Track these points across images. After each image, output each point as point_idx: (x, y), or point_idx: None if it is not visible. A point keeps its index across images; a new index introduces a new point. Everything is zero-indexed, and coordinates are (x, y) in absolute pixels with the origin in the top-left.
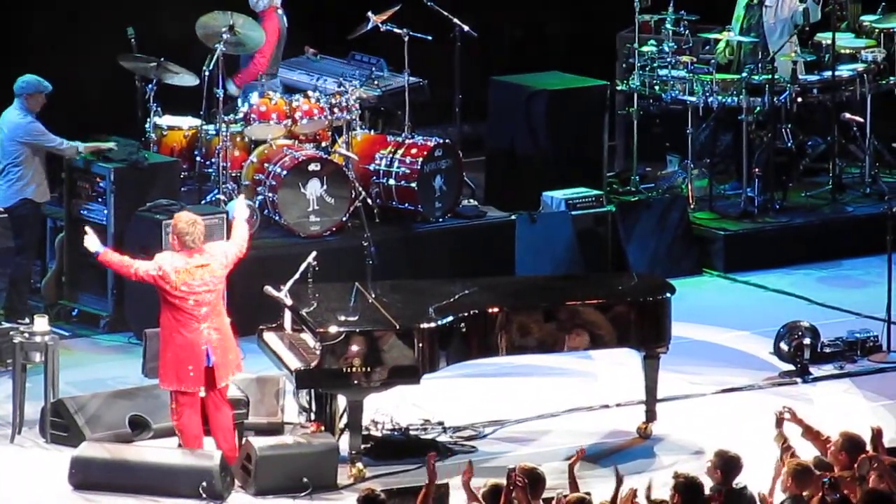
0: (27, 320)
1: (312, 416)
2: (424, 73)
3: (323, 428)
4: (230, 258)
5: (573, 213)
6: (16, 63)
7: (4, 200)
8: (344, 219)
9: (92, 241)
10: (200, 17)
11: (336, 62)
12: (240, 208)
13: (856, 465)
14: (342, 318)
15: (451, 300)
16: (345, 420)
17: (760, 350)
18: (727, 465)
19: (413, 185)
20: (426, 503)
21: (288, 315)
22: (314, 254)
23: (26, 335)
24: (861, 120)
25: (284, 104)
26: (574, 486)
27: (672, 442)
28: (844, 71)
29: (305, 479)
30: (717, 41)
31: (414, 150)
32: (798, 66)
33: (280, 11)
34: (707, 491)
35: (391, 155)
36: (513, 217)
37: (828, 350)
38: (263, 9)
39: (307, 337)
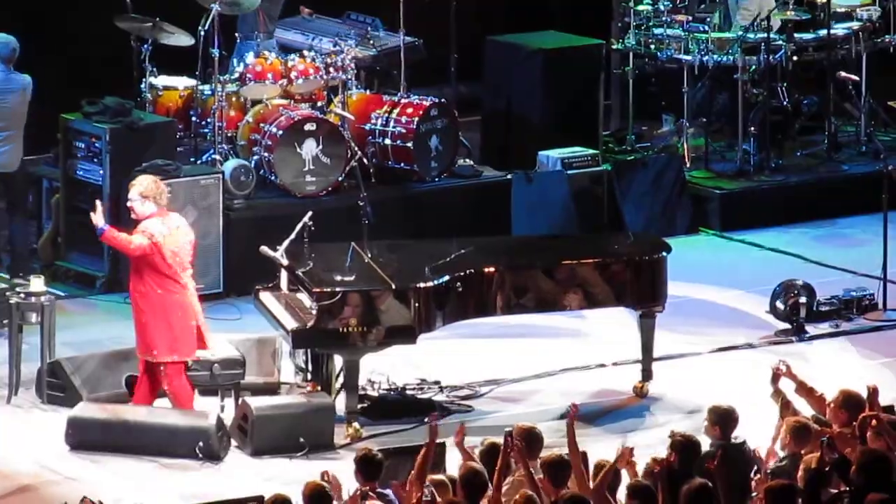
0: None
1: (309, 377)
2: (420, 33)
3: (319, 388)
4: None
5: (569, 172)
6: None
7: (13, 164)
8: (340, 178)
9: (98, 218)
10: None
11: (331, 22)
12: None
13: (855, 424)
14: (338, 277)
15: (448, 260)
16: (341, 380)
17: (756, 309)
18: (723, 419)
19: (409, 144)
20: (426, 463)
21: (284, 275)
22: (310, 213)
23: (22, 296)
24: (856, 78)
25: (280, 64)
26: (573, 444)
27: (668, 401)
28: (840, 29)
29: (302, 440)
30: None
31: (410, 110)
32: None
33: None
34: (706, 449)
35: (387, 115)
36: (509, 177)
37: (824, 308)
38: None
39: (303, 297)
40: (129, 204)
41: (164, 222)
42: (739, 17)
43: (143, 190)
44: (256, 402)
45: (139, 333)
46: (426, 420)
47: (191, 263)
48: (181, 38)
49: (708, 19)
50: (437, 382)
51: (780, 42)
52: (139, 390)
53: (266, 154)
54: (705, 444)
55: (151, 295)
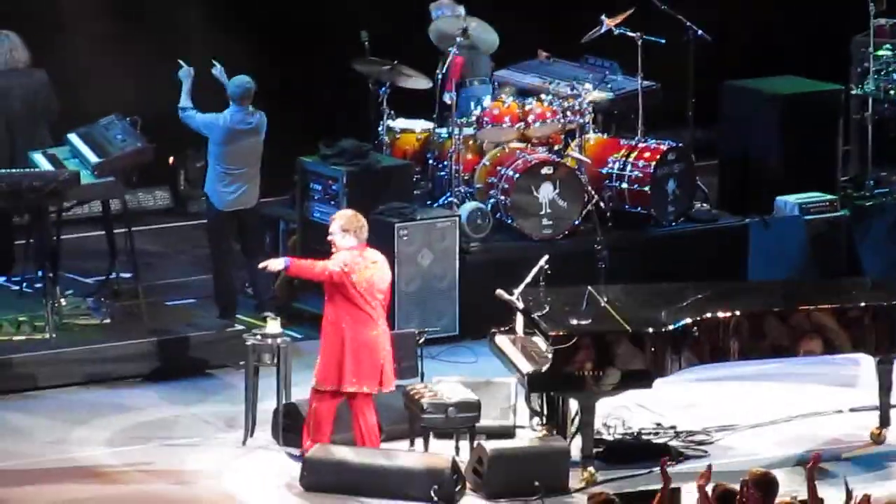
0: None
1: (544, 420)
2: (657, 77)
3: (554, 431)
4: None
5: (806, 217)
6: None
7: (251, 202)
8: (576, 222)
9: (274, 263)
10: (434, 21)
11: (569, 65)
12: None
13: None
14: (574, 321)
15: (684, 304)
16: (576, 423)
17: None
18: None
19: (646, 188)
20: None
21: (520, 318)
22: (546, 257)
23: (258, 337)
24: None
25: (517, 107)
26: (813, 492)
27: None
28: None
29: (537, 483)
30: None
31: (647, 154)
32: None
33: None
34: None
35: (624, 159)
36: (746, 221)
37: None
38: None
39: (539, 340)
40: (329, 238)
41: (360, 255)
42: None
43: (344, 223)
44: (491, 445)
45: (324, 363)
46: (659, 465)
47: (385, 304)
48: (419, 82)
49: None
50: (672, 427)
51: None
52: (324, 425)
53: (503, 197)
54: None
55: (340, 325)
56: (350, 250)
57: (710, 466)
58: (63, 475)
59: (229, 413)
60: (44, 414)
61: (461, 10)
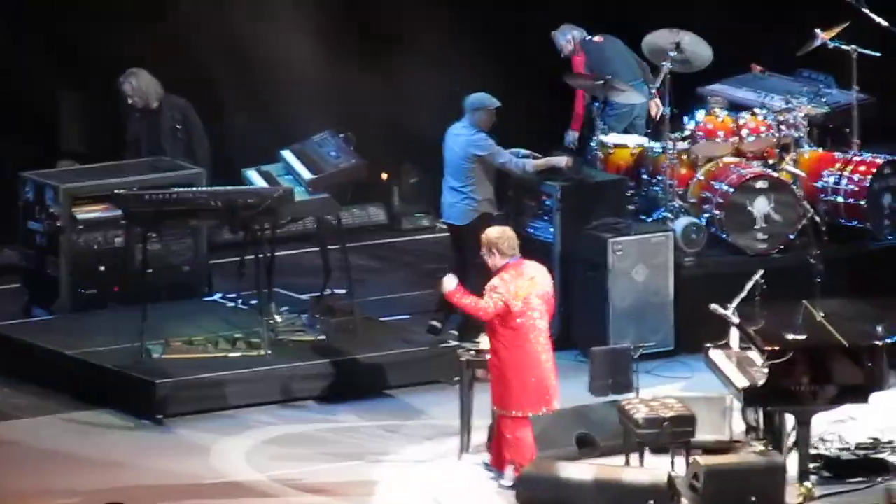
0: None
1: (760, 435)
2: (873, 90)
3: (771, 447)
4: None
5: None
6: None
7: (461, 218)
8: (791, 237)
9: (448, 282)
10: (647, 35)
11: (783, 79)
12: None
13: None
14: (790, 336)
15: None
16: (792, 438)
17: None
18: None
19: (862, 202)
20: None
21: (734, 333)
22: (761, 272)
23: (473, 353)
24: None
25: (731, 122)
26: None
27: None
28: None
29: (753, 499)
30: None
31: (862, 168)
32: None
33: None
34: None
35: (839, 172)
36: None
37: None
38: (569, 54)
39: (754, 355)
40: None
41: (514, 274)
42: None
43: (486, 242)
44: (707, 461)
45: (493, 386)
46: (879, 481)
47: (549, 313)
48: (632, 96)
49: None
50: (890, 441)
51: None
52: (495, 445)
53: (717, 212)
54: None
55: (501, 351)
56: (503, 272)
57: None
58: (279, 492)
59: (445, 428)
60: (259, 431)
61: (577, 31)
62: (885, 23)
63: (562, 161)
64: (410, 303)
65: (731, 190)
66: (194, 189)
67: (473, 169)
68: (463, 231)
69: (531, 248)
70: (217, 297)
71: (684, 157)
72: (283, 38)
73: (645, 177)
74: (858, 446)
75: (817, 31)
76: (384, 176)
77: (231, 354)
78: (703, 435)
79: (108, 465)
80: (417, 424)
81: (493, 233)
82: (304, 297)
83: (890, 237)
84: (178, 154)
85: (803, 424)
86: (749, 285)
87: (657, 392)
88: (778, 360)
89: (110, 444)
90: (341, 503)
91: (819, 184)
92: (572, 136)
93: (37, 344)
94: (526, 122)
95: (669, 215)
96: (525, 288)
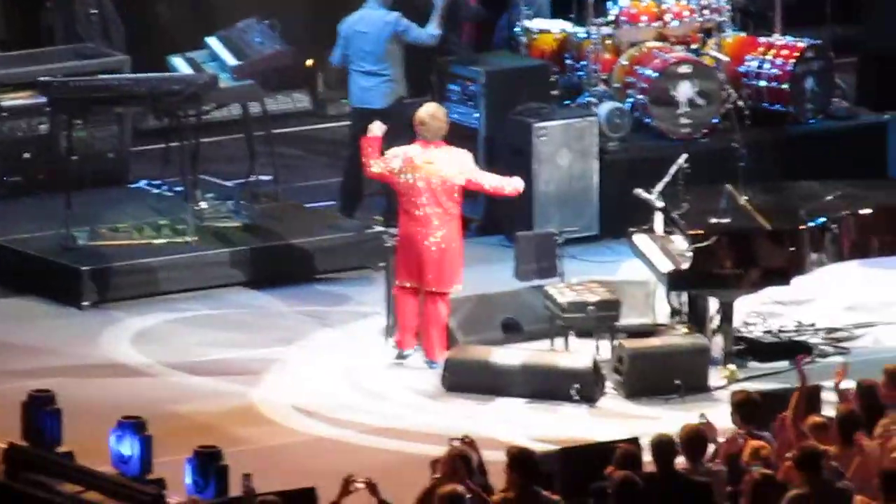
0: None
1: (684, 318)
2: None
3: (695, 330)
4: (468, 172)
5: None
6: None
7: (381, 100)
8: (715, 120)
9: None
10: None
11: None
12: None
13: None
14: (714, 220)
15: (823, 202)
16: (716, 322)
17: None
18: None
19: (784, 86)
20: (798, 406)
21: (658, 217)
22: (685, 156)
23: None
24: None
25: (654, 6)
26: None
27: None
28: None
29: (677, 381)
30: None
31: (785, 52)
32: None
33: None
34: None
35: (762, 56)
36: (885, 118)
37: None
38: None
39: (678, 239)
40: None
41: (416, 147)
42: None
43: (417, 119)
44: (632, 344)
45: (435, 267)
46: (794, 363)
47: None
48: None
49: None
50: (812, 324)
51: None
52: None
53: (641, 96)
54: None
55: (455, 226)
56: (412, 146)
57: (845, 364)
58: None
59: (370, 314)
60: (185, 317)
61: None
62: None
63: None
64: (335, 189)
65: (655, 75)
66: (119, 76)
67: (392, 50)
68: (382, 114)
69: (456, 134)
70: (142, 184)
71: (608, 42)
72: None
73: (569, 62)
74: (781, 330)
75: None
76: (309, 62)
77: (157, 241)
78: (627, 319)
79: (33, 352)
80: (342, 311)
81: (421, 112)
82: (229, 183)
83: (812, 121)
84: (95, 40)
85: (727, 307)
86: (673, 169)
87: (582, 276)
88: (701, 244)
89: (36, 331)
90: (230, 384)
91: (742, 68)
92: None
93: None
94: None
95: (594, 100)
96: (416, 167)
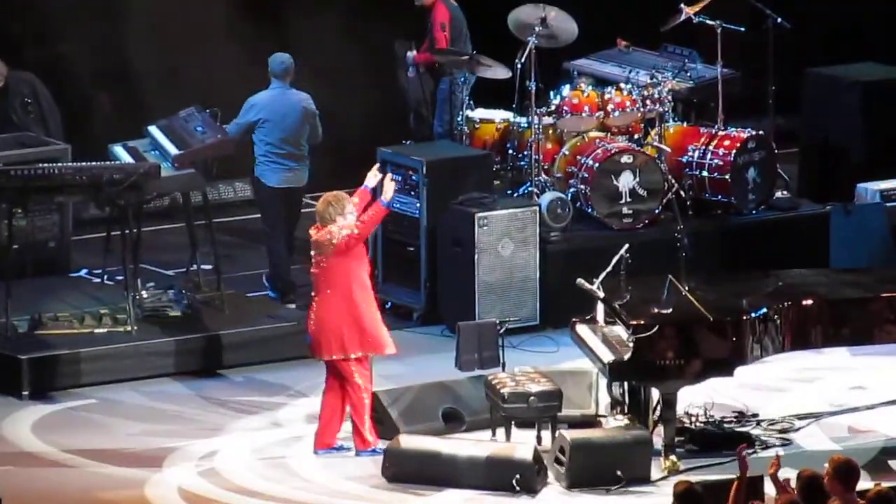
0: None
1: (626, 409)
2: (737, 65)
3: (636, 421)
4: (337, 237)
5: (888, 204)
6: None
7: (302, 181)
8: (657, 211)
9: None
10: (513, 10)
11: (648, 54)
12: (372, 180)
13: None
14: (655, 310)
15: (765, 292)
16: (658, 412)
17: None
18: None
19: (726, 176)
20: (739, 496)
21: (601, 308)
22: (626, 246)
23: None
24: None
25: (596, 97)
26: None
27: None
28: None
29: (619, 472)
30: None
31: (727, 142)
32: None
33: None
34: None
35: (704, 147)
36: (827, 209)
37: None
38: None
39: (620, 330)
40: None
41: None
42: None
43: (335, 209)
44: (573, 435)
45: (354, 331)
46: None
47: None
48: (498, 71)
49: None
50: (754, 415)
51: None
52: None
53: (582, 186)
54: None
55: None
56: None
57: (778, 455)
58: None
59: (313, 405)
60: (124, 407)
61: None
62: None
63: None
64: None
65: (597, 165)
66: (60, 164)
67: (306, 128)
68: (300, 194)
69: (397, 224)
70: (83, 272)
71: (550, 132)
72: (152, 14)
73: (511, 152)
74: (723, 420)
75: (682, 5)
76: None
77: (97, 330)
78: (568, 409)
79: None
80: (288, 400)
81: (320, 200)
82: (170, 272)
83: (754, 211)
84: (31, 128)
85: (668, 398)
86: (615, 260)
87: (523, 366)
88: (643, 335)
89: None
90: (132, 472)
91: (684, 158)
92: (410, 57)
93: None
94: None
95: (535, 190)
96: (312, 244)
